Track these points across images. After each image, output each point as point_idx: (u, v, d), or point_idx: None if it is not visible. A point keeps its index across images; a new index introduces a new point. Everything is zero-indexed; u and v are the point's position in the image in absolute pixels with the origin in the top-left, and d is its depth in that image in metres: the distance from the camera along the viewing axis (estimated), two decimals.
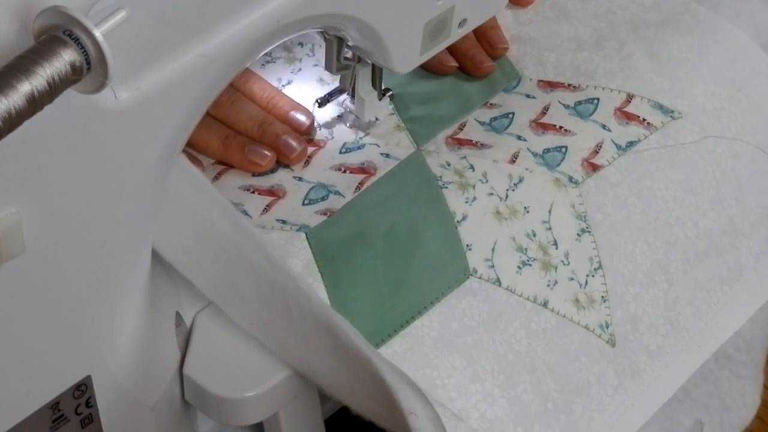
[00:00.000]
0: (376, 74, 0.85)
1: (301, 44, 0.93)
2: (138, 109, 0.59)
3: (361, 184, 0.84)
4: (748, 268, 0.89)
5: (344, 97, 0.88)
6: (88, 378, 0.68)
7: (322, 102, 0.87)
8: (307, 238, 0.79)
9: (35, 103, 0.50)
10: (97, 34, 0.50)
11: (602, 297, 0.82)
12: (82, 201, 0.60)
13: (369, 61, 0.83)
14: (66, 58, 0.50)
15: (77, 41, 0.50)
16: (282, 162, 0.85)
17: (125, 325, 0.70)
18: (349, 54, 0.83)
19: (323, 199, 0.83)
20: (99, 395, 0.69)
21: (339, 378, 0.74)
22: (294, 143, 0.84)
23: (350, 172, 0.85)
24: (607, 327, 0.81)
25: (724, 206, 0.88)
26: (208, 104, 0.66)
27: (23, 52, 0.50)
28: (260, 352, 0.76)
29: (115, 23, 0.53)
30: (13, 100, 0.49)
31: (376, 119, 0.88)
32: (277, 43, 0.69)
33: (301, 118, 0.86)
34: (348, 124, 0.87)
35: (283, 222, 0.81)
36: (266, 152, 0.84)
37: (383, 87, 0.86)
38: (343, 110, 0.88)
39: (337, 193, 0.83)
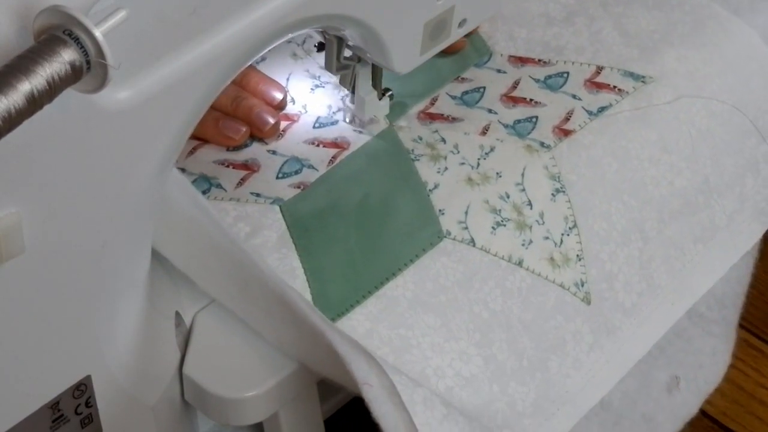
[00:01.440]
0: (376, 74, 0.85)
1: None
2: (138, 109, 0.59)
3: (334, 158, 0.85)
4: (721, 227, 0.90)
5: (344, 94, 0.88)
6: (88, 378, 0.68)
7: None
8: (281, 211, 0.80)
9: (35, 103, 0.50)
10: (97, 33, 0.50)
11: (577, 255, 0.82)
12: (82, 201, 0.60)
13: (369, 61, 0.83)
14: (66, 57, 0.50)
15: (77, 41, 0.50)
16: (256, 135, 0.85)
17: (125, 325, 0.70)
18: (349, 54, 0.83)
19: (297, 172, 0.84)
20: (99, 395, 0.69)
21: (304, 349, 0.74)
22: (268, 116, 0.85)
23: (324, 146, 0.86)
24: (583, 285, 0.82)
25: (699, 165, 0.89)
26: (209, 104, 0.66)
27: (23, 51, 0.50)
28: (260, 352, 0.76)
29: (115, 23, 0.53)
30: (13, 99, 0.49)
31: (375, 117, 0.88)
32: (277, 43, 0.69)
33: (274, 92, 0.87)
34: (347, 121, 0.88)
35: (258, 195, 0.82)
36: (240, 126, 0.84)
37: (383, 87, 0.86)
38: (342, 108, 0.88)
39: (311, 166, 0.84)
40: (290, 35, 0.69)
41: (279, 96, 0.87)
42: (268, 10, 0.64)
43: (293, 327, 0.73)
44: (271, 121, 0.85)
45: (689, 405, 0.90)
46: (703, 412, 1.03)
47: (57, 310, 0.63)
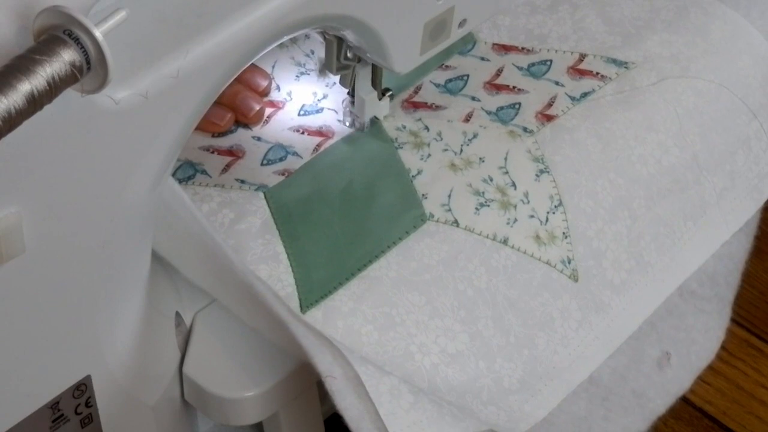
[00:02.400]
0: (376, 74, 0.85)
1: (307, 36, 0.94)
2: (138, 109, 0.59)
3: (318, 146, 0.86)
4: (711, 204, 0.90)
5: (344, 96, 0.88)
6: (88, 378, 0.68)
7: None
8: (266, 197, 0.81)
9: (35, 103, 0.50)
10: (97, 34, 0.50)
11: (563, 233, 0.83)
12: (82, 201, 0.60)
13: (369, 61, 0.83)
14: (66, 57, 0.50)
15: (77, 41, 0.50)
16: (240, 121, 0.86)
17: (125, 325, 0.70)
18: (350, 54, 0.83)
19: (281, 159, 0.84)
20: (99, 395, 0.69)
21: (281, 336, 0.74)
22: (252, 102, 0.85)
23: (308, 134, 0.86)
24: (569, 262, 0.82)
25: (687, 142, 0.89)
26: (209, 104, 0.66)
27: (23, 52, 0.50)
28: (260, 352, 0.76)
29: (115, 23, 0.53)
30: (13, 99, 0.49)
31: (376, 118, 0.88)
32: (277, 43, 0.69)
33: (259, 78, 0.87)
34: (347, 123, 0.88)
35: (242, 182, 0.82)
36: (225, 112, 0.85)
37: (383, 87, 0.86)
38: (343, 109, 0.88)
39: (295, 154, 0.85)
40: (290, 35, 0.69)
41: (264, 83, 0.87)
42: (267, 10, 0.64)
43: (264, 317, 0.74)
44: (257, 107, 0.85)
45: (681, 380, 0.90)
46: (703, 412, 1.03)
47: (57, 310, 0.63)
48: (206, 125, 0.85)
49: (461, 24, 0.82)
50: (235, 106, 0.85)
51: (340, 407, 0.69)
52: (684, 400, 1.03)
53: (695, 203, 0.89)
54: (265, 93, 0.88)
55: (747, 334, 1.09)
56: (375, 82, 0.85)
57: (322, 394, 0.82)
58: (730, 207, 0.91)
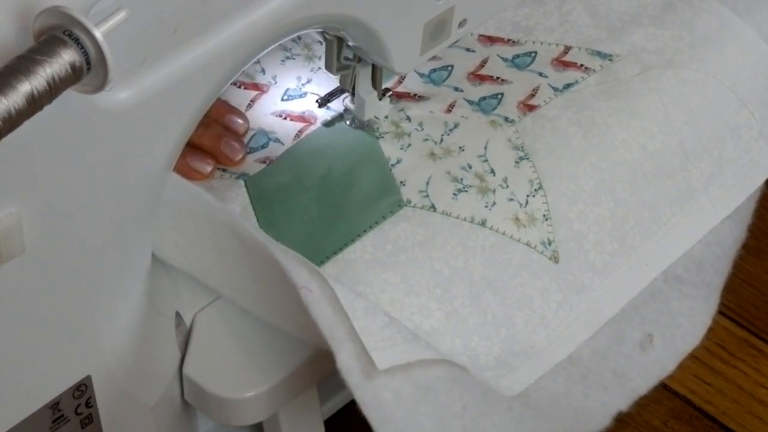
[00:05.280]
0: (376, 74, 0.85)
1: (321, 42, 0.93)
2: (138, 109, 0.59)
3: (300, 132, 0.86)
4: (698, 190, 0.90)
5: (345, 95, 0.88)
6: (88, 378, 0.68)
7: (323, 102, 0.88)
8: (246, 185, 0.82)
9: (35, 103, 0.50)
10: (97, 34, 0.50)
11: (544, 215, 0.83)
12: (81, 201, 0.60)
13: (369, 61, 0.83)
14: (66, 58, 0.50)
15: (77, 41, 0.50)
16: (223, 165, 0.84)
17: (125, 325, 0.70)
18: (350, 54, 0.83)
19: (263, 147, 0.85)
20: (99, 395, 0.69)
21: (260, 290, 0.75)
22: (236, 144, 0.85)
23: (291, 120, 0.87)
24: (550, 244, 0.82)
25: (673, 129, 0.89)
26: (209, 104, 0.66)
27: (23, 52, 0.50)
28: (260, 352, 0.76)
29: (115, 23, 0.53)
30: (13, 100, 0.49)
31: (376, 118, 0.88)
32: (277, 44, 0.69)
33: (239, 120, 0.86)
34: (348, 122, 0.88)
35: (224, 170, 0.84)
36: (209, 160, 0.83)
37: (383, 87, 0.86)
38: (343, 109, 0.88)
39: (277, 140, 0.86)
40: (290, 36, 0.69)
41: (244, 124, 0.86)
42: (267, 10, 0.64)
43: (244, 261, 0.74)
44: (241, 149, 0.84)
45: (664, 362, 0.90)
46: (703, 412, 1.03)
47: (57, 310, 0.63)
48: (190, 173, 0.83)
49: (461, 24, 0.82)
50: (218, 149, 0.84)
51: (314, 317, 0.68)
52: (684, 400, 1.03)
53: (682, 189, 0.89)
54: (244, 134, 0.87)
55: (747, 334, 1.09)
56: (375, 82, 0.85)
57: (322, 394, 0.82)
58: (719, 194, 0.91)
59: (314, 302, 0.69)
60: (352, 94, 0.87)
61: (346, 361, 0.68)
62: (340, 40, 0.80)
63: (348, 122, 0.88)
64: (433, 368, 0.71)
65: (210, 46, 0.61)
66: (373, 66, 0.84)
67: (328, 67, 0.83)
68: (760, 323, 1.10)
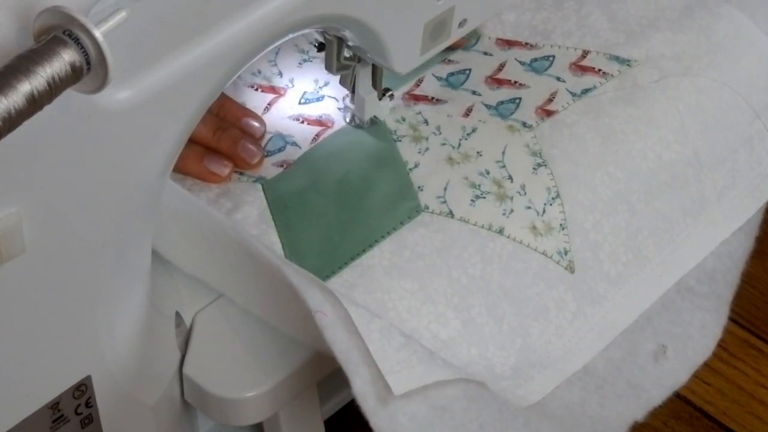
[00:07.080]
0: (376, 74, 0.85)
1: None
2: (138, 109, 0.59)
3: (317, 136, 0.86)
4: (711, 201, 0.89)
5: (345, 94, 0.88)
6: (88, 378, 0.68)
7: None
8: (263, 189, 0.82)
9: (35, 103, 0.50)
10: (97, 34, 0.50)
11: (560, 224, 0.83)
12: (82, 201, 0.60)
13: (369, 61, 0.83)
14: (66, 58, 0.50)
15: (77, 41, 0.50)
16: (240, 169, 0.84)
17: (125, 325, 0.70)
18: (350, 54, 0.83)
19: (280, 150, 0.85)
20: (99, 395, 0.69)
21: (264, 298, 0.75)
22: (254, 148, 0.84)
23: (308, 124, 0.87)
24: (566, 253, 0.82)
25: (689, 138, 0.89)
26: (209, 104, 0.66)
27: (23, 52, 0.50)
28: (260, 352, 0.76)
29: (115, 23, 0.53)
30: (13, 100, 0.49)
31: (376, 117, 0.88)
32: (277, 44, 0.69)
33: (255, 124, 0.86)
34: (347, 120, 0.88)
35: (241, 174, 0.83)
36: (226, 162, 0.83)
37: (383, 87, 0.86)
38: (343, 109, 0.88)
39: (294, 144, 0.86)
40: (291, 36, 0.69)
41: (261, 128, 0.86)
42: (268, 10, 0.64)
43: (252, 276, 0.74)
44: (258, 152, 0.84)
45: (677, 374, 0.90)
46: (703, 412, 1.03)
47: (57, 310, 0.63)
48: (207, 176, 0.83)
49: (461, 24, 0.82)
50: (235, 152, 0.84)
51: (328, 342, 0.68)
52: (684, 400, 1.03)
53: (695, 200, 0.89)
54: (261, 136, 0.86)
55: (747, 334, 1.09)
56: (375, 82, 0.85)
57: (322, 395, 0.82)
58: (731, 205, 0.91)
59: (329, 326, 0.69)
60: (353, 94, 0.87)
61: (361, 387, 0.68)
62: (340, 40, 0.80)
63: (348, 120, 0.88)
64: (449, 387, 0.71)
65: (210, 46, 0.61)
66: (373, 66, 0.84)
67: (328, 67, 0.83)
68: (760, 323, 1.10)
